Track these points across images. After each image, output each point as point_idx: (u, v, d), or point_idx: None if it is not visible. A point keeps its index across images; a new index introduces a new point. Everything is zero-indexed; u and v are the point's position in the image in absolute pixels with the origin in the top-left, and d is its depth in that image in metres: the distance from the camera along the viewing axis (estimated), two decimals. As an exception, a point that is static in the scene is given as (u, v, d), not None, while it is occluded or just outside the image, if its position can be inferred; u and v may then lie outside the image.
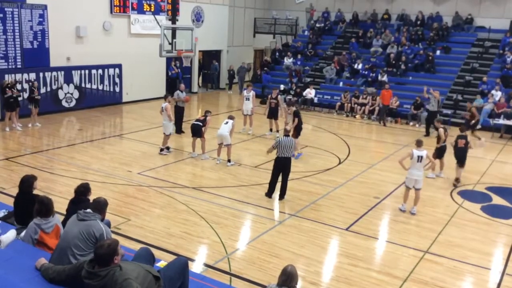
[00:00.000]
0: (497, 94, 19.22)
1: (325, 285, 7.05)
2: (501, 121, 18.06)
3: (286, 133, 10.39)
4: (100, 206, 5.25)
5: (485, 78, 20.47)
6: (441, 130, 12.22)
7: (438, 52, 23.32)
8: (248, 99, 16.31)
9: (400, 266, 7.69)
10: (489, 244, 8.84)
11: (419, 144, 9.92)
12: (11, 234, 5.23)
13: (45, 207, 5.47)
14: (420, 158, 9.79)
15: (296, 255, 7.87)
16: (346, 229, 9.04)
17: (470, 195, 11.11)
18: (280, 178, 10.36)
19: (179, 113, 15.62)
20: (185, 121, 15.99)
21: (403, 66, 22.50)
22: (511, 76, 20.49)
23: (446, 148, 12.33)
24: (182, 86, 16.31)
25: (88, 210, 5.07)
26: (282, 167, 10.23)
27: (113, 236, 7.08)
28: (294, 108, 14.15)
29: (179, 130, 15.74)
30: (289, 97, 20.50)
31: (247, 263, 7.52)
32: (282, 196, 10.36)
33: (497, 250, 8.67)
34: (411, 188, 10.01)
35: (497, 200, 11.23)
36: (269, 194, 10.42)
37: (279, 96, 16.31)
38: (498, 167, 14.03)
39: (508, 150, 16.23)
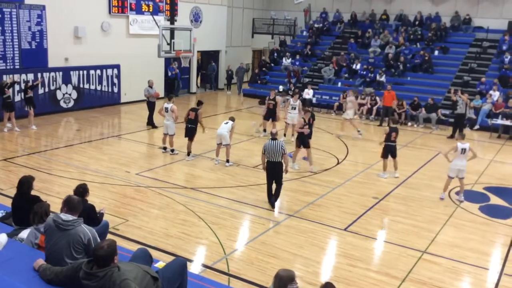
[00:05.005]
0: (495, 94, 19.26)
1: (323, 286, 7.04)
2: (499, 121, 18.09)
3: (273, 137, 9.96)
4: (75, 206, 4.94)
5: (483, 79, 20.50)
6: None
7: (436, 52, 23.37)
8: (294, 108, 15.50)
9: (399, 266, 7.70)
10: (487, 244, 8.85)
11: (463, 137, 10.94)
12: (2, 239, 5.04)
13: (37, 216, 5.54)
14: (463, 150, 10.60)
15: (295, 256, 7.87)
16: (345, 230, 9.05)
17: (468, 195, 11.11)
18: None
19: (151, 108, 16.58)
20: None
21: (401, 67, 22.53)
22: (509, 76, 20.53)
23: (394, 149, 12.29)
24: (151, 81, 16.83)
25: (65, 216, 4.78)
26: (271, 171, 9.88)
27: (111, 236, 7.12)
28: (307, 109, 13.93)
29: (152, 125, 16.65)
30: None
31: (246, 264, 7.52)
32: (275, 199, 9.98)
33: (495, 250, 8.68)
34: (453, 177, 10.76)
35: (495, 200, 11.25)
36: (270, 201, 10.00)
37: (277, 97, 16.26)
38: (496, 167, 14.05)
39: (506, 150, 16.25)
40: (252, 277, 7.09)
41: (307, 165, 12.72)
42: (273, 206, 9.92)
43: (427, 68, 22.33)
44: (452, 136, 17.34)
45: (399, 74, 22.52)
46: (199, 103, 13.18)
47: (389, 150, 12.27)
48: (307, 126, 12.42)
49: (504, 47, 21.93)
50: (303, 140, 12.43)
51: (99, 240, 4.84)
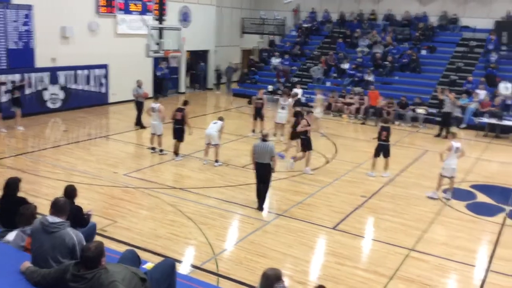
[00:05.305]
0: (482, 93, 19.46)
1: (312, 284, 7.07)
2: (486, 119, 18.29)
3: (264, 138, 9.79)
4: (61, 208, 4.88)
5: (470, 78, 20.70)
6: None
7: (423, 52, 23.55)
8: (283, 107, 15.67)
9: (387, 264, 7.76)
10: (474, 241, 8.96)
11: (455, 136, 11.16)
12: None
13: (24, 218, 5.50)
14: (457, 149, 10.68)
15: (284, 255, 7.90)
16: (333, 228, 9.10)
17: (455, 193, 11.19)
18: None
19: (139, 108, 16.48)
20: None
21: (389, 66, 22.67)
22: (495, 75, 20.75)
23: (386, 148, 12.40)
24: (140, 81, 16.79)
25: (51, 218, 4.74)
26: (259, 173, 9.74)
27: (99, 238, 7.09)
28: (298, 109, 14.09)
29: (140, 125, 16.53)
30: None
31: (235, 264, 7.53)
32: (260, 206, 9.76)
33: (482, 248, 8.79)
34: (448, 176, 10.78)
35: (481, 197, 11.38)
36: (259, 206, 9.83)
37: (264, 96, 16.28)
38: (482, 165, 14.21)
39: (492, 148, 16.45)
40: (241, 277, 7.11)
41: (297, 165, 12.76)
42: (259, 209, 9.78)
43: (415, 68, 22.50)
44: (439, 135, 17.50)
45: (387, 74, 22.67)
46: (186, 103, 13.11)
47: (381, 149, 12.36)
48: (310, 128, 12.35)
49: (491, 47, 22.15)
50: (308, 143, 12.31)
51: (85, 244, 4.80)
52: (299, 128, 12.37)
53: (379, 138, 12.36)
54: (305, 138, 12.32)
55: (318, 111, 16.98)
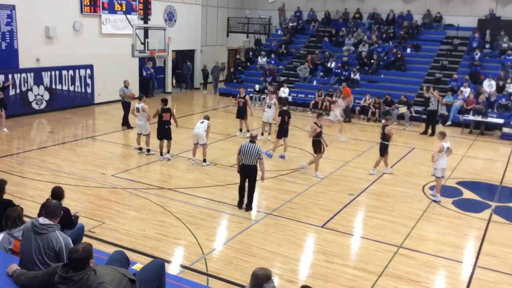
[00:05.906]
0: (466, 91, 19.67)
1: (302, 283, 7.08)
2: (470, 117, 18.49)
3: (252, 139, 9.65)
4: (52, 211, 4.84)
5: (455, 75, 20.93)
6: (388, 128, 12.40)
7: (408, 50, 23.75)
8: (270, 106, 15.49)
9: (375, 262, 7.80)
10: (461, 237, 9.05)
11: (444, 136, 10.71)
12: None
13: (10, 221, 5.43)
14: (447, 149, 10.59)
15: (273, 254, 7.90)
16: (322, 226, 9.12)
17: (441, 190, 11.30)
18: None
19: (126, 108, 16.38)
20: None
21: (374, 64, 22.82)
22: (479, 73, 21.00)
23: (380, 146, 12.52)
24: (127, 82, 16.72)
25: (42, 220, 4.71)
26: (245, 175, 9.63)
27: (87, 239, 7.03)
28: (284, 108, 14.18)
29: (127, 125, 16.49)
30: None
31: (224, 263, 7.52)
32: (248, 206, 9.72)
33: (469, 244, 8.89)
34: (439, 176, 10.67)
35: (467, 194, 11.51)
36: (239, 204, 9.80)
37: (247, 96, 16.28)
38: (468, 162, 14.36)
39: (478, 145, 16.64)
40: (231, 276, 7.09)
41: (284, 164, 12.77)
42: (247, 209, 9.68)
43: (400, 66, 22.68)
44: (425, 133, 17.65)
45: (373, 72, 22.81)
46: (166, 102, 12.90)
47: (380, 147, 12.47)
48: (321, 130, 12.12)
49: (474, 44, 22.42)
50: (320, 145, 12.13)
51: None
52: (311, 134, 12.17)
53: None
54: (317, 140, 12.11)
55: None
